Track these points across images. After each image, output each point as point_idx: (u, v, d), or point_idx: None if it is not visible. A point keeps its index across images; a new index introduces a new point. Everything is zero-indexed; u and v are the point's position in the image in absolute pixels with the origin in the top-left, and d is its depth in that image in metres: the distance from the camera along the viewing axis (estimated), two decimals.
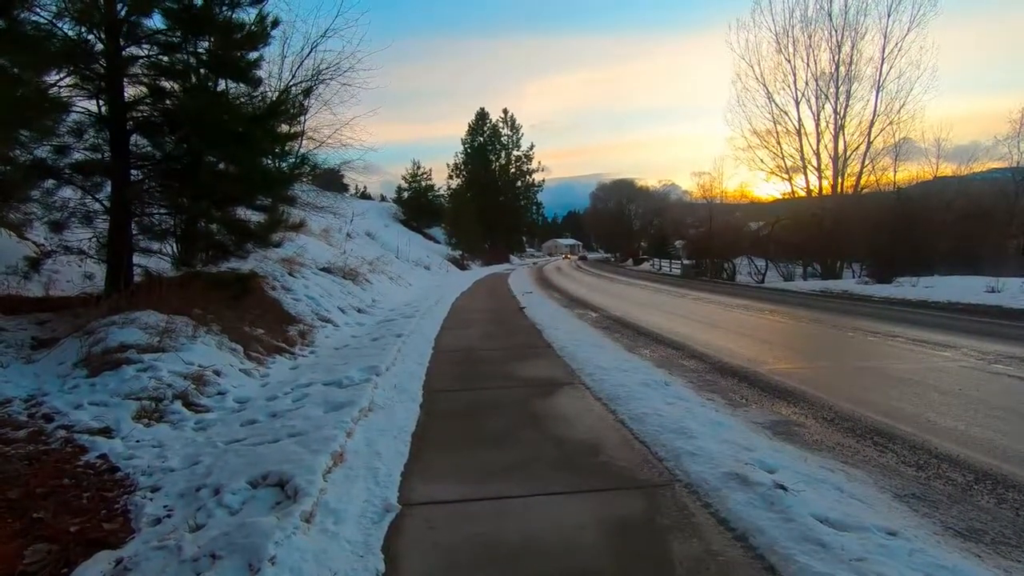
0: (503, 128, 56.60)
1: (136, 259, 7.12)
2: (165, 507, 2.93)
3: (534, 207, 63.29)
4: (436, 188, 48.78)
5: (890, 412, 4.65)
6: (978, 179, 28.04)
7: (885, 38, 27.32)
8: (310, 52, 14.45)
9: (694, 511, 2.88)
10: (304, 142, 14.56)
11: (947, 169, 28.67)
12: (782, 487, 2.97)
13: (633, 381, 5.42)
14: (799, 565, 2.30)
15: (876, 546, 2.44)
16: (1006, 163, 27.29)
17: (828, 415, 4.63)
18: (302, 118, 13.44)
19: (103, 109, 6.65)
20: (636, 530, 2.70)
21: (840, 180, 29.29)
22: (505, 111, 56.99)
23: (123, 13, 6.48)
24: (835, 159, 29.25)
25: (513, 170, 57.10)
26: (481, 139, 55.51)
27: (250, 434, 3.92)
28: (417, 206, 45.01)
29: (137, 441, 3.83)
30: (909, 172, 29.21)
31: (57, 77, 6.28)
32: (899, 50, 27.12)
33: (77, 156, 6.64)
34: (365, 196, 51.09)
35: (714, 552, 2.50)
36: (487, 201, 50.11)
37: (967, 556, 2.49)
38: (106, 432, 3.88)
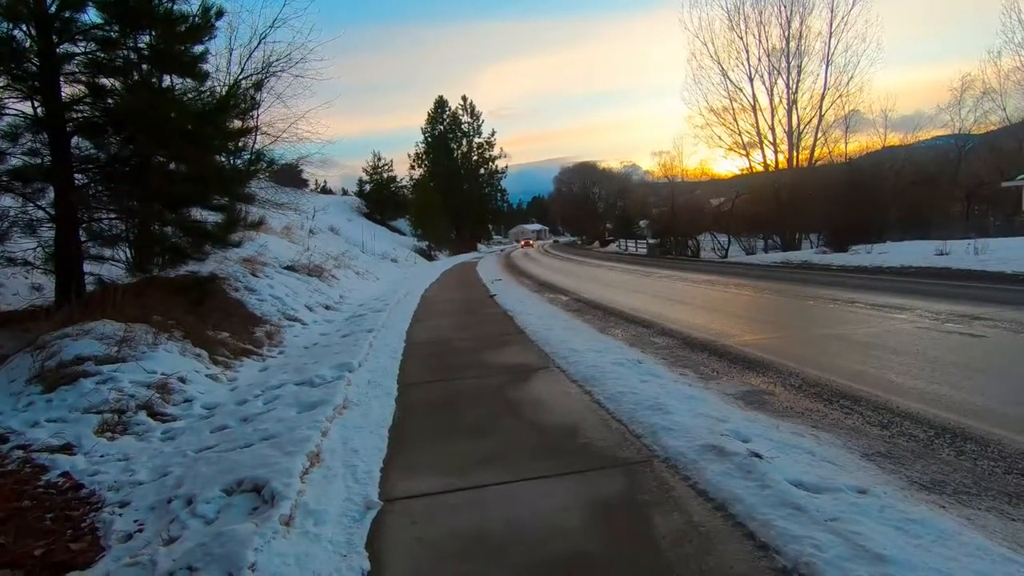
0: (463, 115, 56.02)
1: (87, 267, 6.82)
2: (136, 522, 2.83)
3: (499, 194, 62.86)
4: (399, 179, 48.11)
5: (854, 376, 4.81)
6: (923, 147, 29.22)
7: (832, 12, 27.97)
8: (259, 44, 13.94)
9: (674, 485, 2.93)
10: (259, 137, 14.17)
11: (894, 139, 29.78)
12: (757, 455, 3.05)
13: (606, 361, 5.47)
14: (777, 530, 2.37)
15: (848, 505, 2.52)
16: (948, 130, 28.51)
17: (796, 382, 4.76)
18: (255, 113, 13.07)
19: (39, 111, 6.30)
20: (619, 509, 2.73)
21: (795, 154, 30.02)
22: (464, 98, 56.56)
23: (54, 8, 6.12)
24: (789, 133, 29.93)
25: (476, 157, 56.64)
26: (441, 127, 54.80)
27: (221, 440, 3.81)
28: (380, 198, 44.27)
29: (101, 456, 3.67)
30: (859, 143, 30.26)
31: None
32: (846, 24, 27.83)
33: (14, 162, 6.29)
34: (326, 191, 50.13)
35: (695, 523, 2.55)
36: (451, 190, 49.64)
37: (933, 507, 2.61)
38: (67, 449, 3.72)
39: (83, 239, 6.69)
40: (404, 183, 48.89)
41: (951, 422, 3.67)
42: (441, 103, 54.94)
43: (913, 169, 25.38)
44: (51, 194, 6.47)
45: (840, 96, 28.48)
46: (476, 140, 56.58)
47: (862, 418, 3.85)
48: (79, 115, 6.58)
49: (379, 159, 46.01)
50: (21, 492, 3.14)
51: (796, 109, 29.59)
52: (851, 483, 2.76)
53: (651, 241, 37.70)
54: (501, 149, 57.80)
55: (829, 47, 28.25)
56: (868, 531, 2.29)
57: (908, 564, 2.07)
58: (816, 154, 29.80)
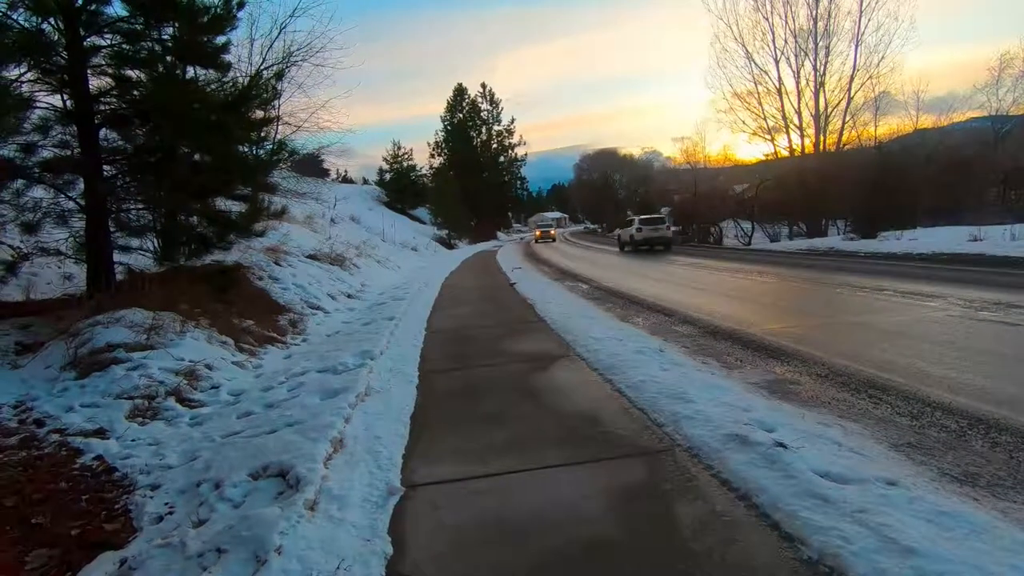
0: (482, 103, 55.68)
1: (116, 257, 6.96)
2: (166, 504, 2.91)
3: (518, 182, 62.73)
4: (418, 168, 48.22)
5: (882, 365, 4.70)
6: (957, 129, 28.13)
7: None
8: (279, 33, 14.06)
9: (696, 474, 2.91)
10: (280, 127, 14.28)
11: (926, 121, 28.76)
12: (782, 445, 3.00)
13: (628, 350, 5.43)
14: (803, 520, 2.33)
15: (877, 496, 2.47)
16: (985, 112, 27.40)
17: (822, 371, 4.67)
18: (276, 103, 13.15)
19: (68, 103, 6.41)
20: (640, 497, 2.72)
21: (822, 138, 29.31)
22: (483, 85, 55.96)
23: (80, 1, 6.21)
24: (816, 117, 29.20)
25: (495, 145, 56.33)
26: (461, 115, 54.59)
27: (247, 426, 3.89)
28: (400, 187, 44.46)
29: (133, 440, 3.78)
30: (890, 126, 29.29)
31: (17, 72, 6.04)
32: (877, 1, 26.92)
33: (45, 154, 6.41)
34: (347, 180, 50.48)
35: (718, 513, 2.52)
36: (470, 178, 49.56)
37: (965, 500, 2.54)
38: (100, 433, 3.83)
39: (112, 229, 6.83)
40: (424, 172, 49.01)
41: (984, 413, 3.56)
42: (460, 91, 54.70)
43: (946, 152, 24.42)
44: (81, 185, 6.61)
45: (870, 77, 27.66)
46: (495, 128, 56.23)
47: (891, 408, 3.76)
48: (106, 107, 6.70)
49: (399, 148, 46.17)
50: (57, 474, 3.25)
51: (823, 92, 28.85)
52: (879, 474, 2.70)
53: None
54: (520, 136, 57.40)
55: (859, 26, 27.42)
56: (897, 523, 2.24)
57: (940, 557, 2.02)
58: (844, 138, 29.04)
